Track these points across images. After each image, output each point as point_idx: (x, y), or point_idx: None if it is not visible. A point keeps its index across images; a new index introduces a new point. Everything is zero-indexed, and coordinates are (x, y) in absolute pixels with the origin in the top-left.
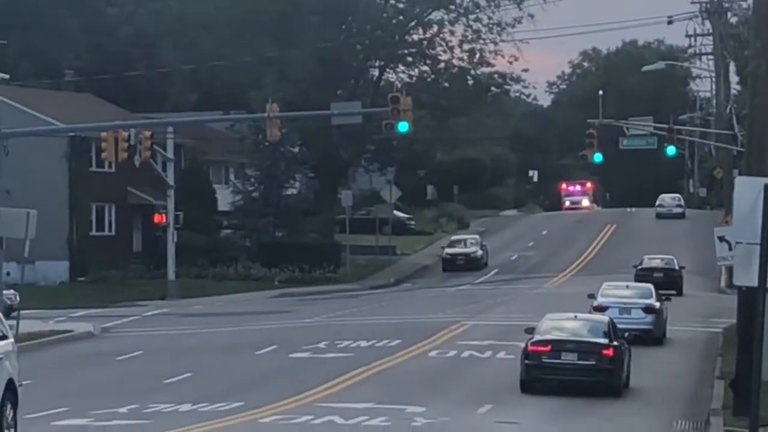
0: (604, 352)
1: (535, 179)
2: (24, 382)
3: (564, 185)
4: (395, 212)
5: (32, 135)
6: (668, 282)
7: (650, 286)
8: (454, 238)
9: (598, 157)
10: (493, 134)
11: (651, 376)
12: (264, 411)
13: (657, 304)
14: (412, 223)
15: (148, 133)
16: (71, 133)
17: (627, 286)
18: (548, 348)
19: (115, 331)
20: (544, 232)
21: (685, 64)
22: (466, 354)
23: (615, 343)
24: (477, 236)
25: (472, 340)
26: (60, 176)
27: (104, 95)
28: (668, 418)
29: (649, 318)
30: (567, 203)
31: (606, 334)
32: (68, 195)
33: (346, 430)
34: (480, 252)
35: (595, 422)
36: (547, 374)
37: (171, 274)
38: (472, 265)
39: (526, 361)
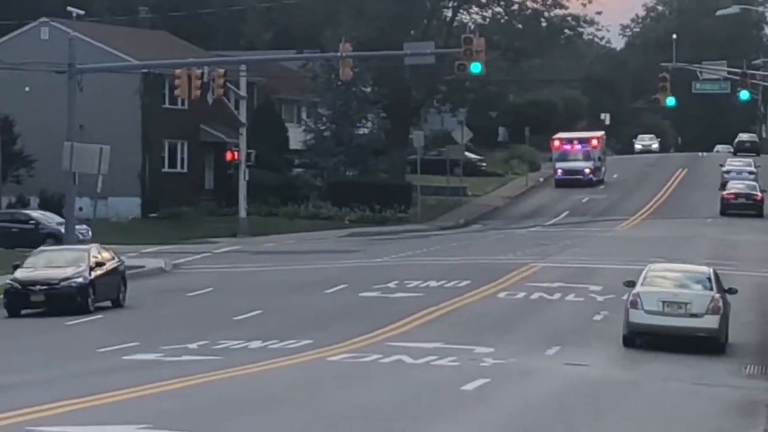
0: (758, 198)
1: (607, 122)
2: (96, 317)
3: (557, 141)
4: (466, 153)
5: (106, 71)
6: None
7: (751, 160)
8: (41, 249)
9: (670, 101)
10: (565, 77)
11: None
12: (333, 349)
13: (756, 169)
14: (483, 164)
15: (221, 71)
16: (145, 70)
17: (741, 160)
18: (733, 196)
19: (186, 267)
20: (615, 176)
21: (760, 8)
22: (535, 296)
23: (760, 194)
24: (96, 247)
25: (542, 282)
26: (133, 113)
27: (178, 32)
28: (739, 363)
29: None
30: (560, 171)
31: (757, 190)
32: (141, 131)
33: (415, 370)
34: (81, 280)
35: (665, 366)
36: (731, 209)
37: (242, 212)
38: (62, 305)
39: (723, 201)
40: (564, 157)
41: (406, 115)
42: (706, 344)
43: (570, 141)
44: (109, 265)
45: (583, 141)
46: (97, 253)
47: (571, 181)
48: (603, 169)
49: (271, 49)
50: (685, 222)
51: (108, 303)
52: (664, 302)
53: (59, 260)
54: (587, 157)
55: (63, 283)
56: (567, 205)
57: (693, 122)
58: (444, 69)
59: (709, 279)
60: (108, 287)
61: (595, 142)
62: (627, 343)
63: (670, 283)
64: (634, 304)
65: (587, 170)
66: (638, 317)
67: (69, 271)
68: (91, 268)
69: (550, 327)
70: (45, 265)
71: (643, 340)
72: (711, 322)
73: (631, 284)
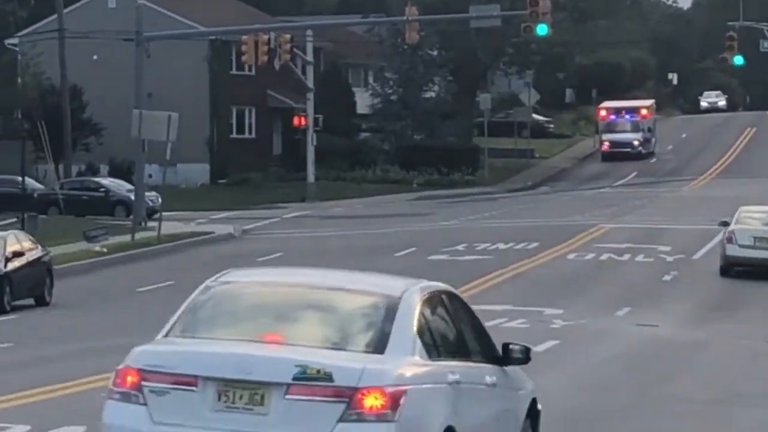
0: None
1: (675, 82)
2: (166, 283)
3: (603, 111)
4: (534, 115)
5: (173, 38)
6: None
7: None
8: None
9: (738, 60)
10: (632, 37)
11: None
12: None
13: None
14: (551, 126)
15: (287, 37)
16: (212, 37)
17: None
18: None
19: (256, 233)
20: (684, 136)
21: None
22: (604, 257)
23: None
24: (14, 234)
25: (611, 243)
26: (201, 79)
27: None
28: None
29: None
30: (606, 144)
31: None
32: (209, 98)
33: None
34: None
35: (736, 326)
36: None
37: (310, 177)
38: None
39: None
40: (611, 128)
41: (472, 78)
42: None
43: (617, 111)
44: (29, 256)
45: (631, 110)
46: (15, 241)
47: (619, 155)
48: (653, 140)
49: (336, 13)
50: (755, 181)
51: (30, 301)
52: (755, 238)
53: None
54: (636, 128)
55: None
56: (635, 166)
57: (761, 81)
58: (510, 31)
59: None
60: (29, 282)
61: (644, 111)
62: (723, 273)
63: (759, 222)
64: (729, 240)
65: (636, 142)
66: (733, 251)
67: None
68: (8, 260)
69: (620, 288)
70: None
71: (736, 271)
72: None
73: (726, 224)
